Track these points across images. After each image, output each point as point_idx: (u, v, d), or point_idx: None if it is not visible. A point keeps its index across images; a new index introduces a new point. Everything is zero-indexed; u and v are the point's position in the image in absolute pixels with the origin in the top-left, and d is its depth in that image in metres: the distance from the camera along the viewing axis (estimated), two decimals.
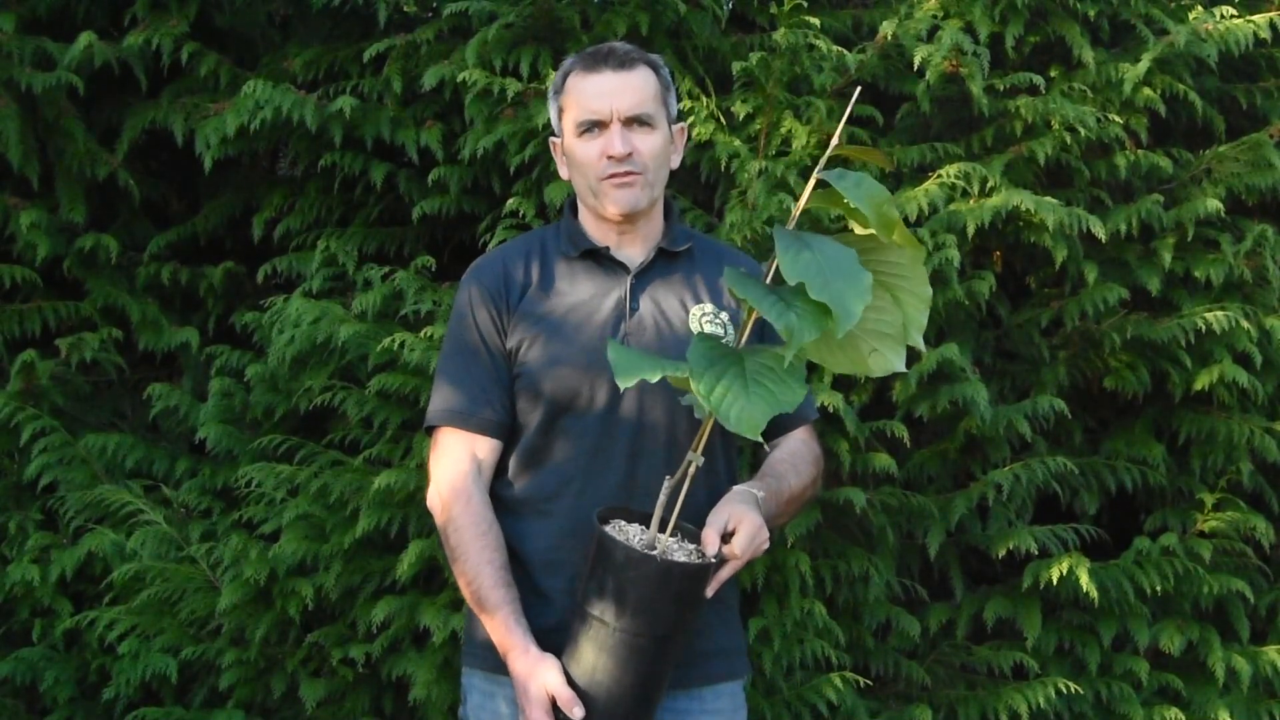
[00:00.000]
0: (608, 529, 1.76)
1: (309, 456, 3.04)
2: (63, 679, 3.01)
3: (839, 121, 3.14)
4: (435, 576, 2.95)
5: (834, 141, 1.70)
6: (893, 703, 3.14)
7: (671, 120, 2.01)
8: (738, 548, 1.78)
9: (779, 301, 1.57)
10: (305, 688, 2.92)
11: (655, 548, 1.73)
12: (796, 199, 2.97)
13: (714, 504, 1.84)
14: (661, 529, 1.74)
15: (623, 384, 1.59)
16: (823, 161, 1.66)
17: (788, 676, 2.98)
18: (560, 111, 2.00)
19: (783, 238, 1.58)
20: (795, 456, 2.02)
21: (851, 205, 1.59)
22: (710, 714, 1.96)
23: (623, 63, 1.94)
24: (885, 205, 1.60)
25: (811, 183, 1.65)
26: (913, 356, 2.99)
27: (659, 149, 1.96)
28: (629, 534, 1.78)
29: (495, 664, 1.90)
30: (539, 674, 1.78)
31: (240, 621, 2.95)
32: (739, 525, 1.79)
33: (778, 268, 1.58)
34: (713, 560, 1.76)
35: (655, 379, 1.59)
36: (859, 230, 1.67)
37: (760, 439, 1.57)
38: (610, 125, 1.93)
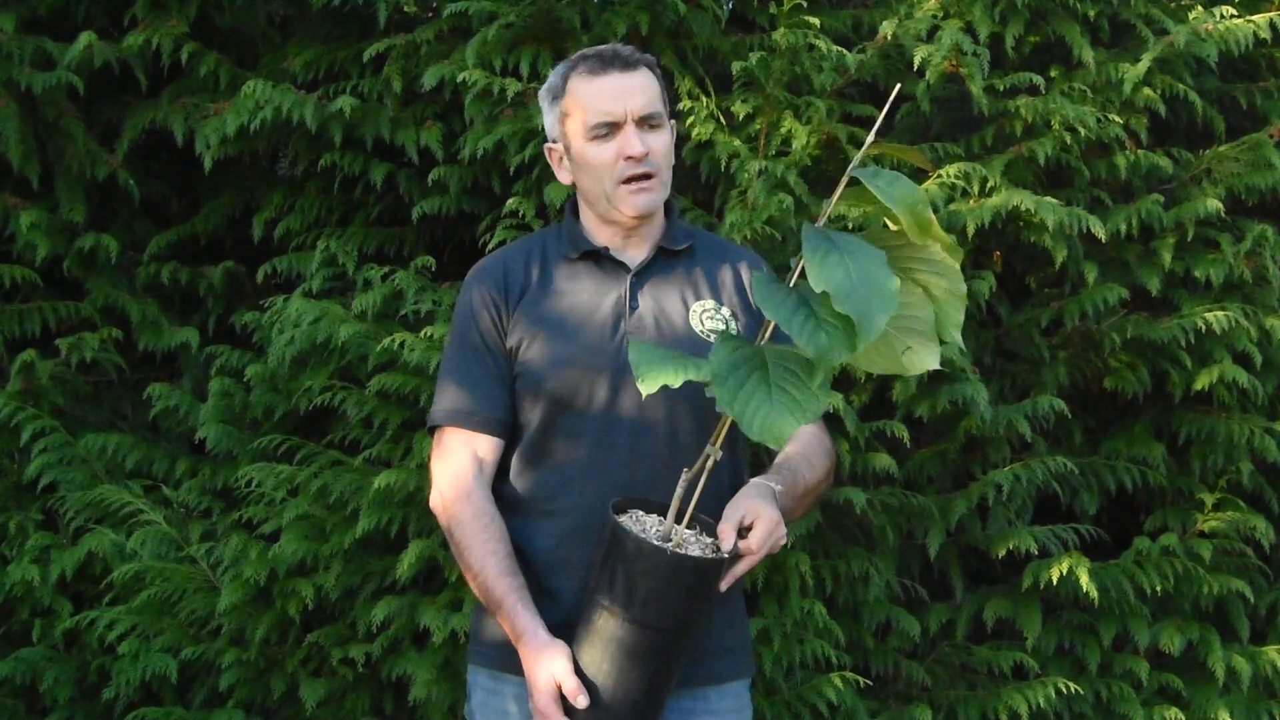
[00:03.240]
0: (623, 519, 1.75)
1: (309, 456, 3.04)
2: (63, 679, 3.01)
3: (839, 121, 3.16)
4: (435, 576, 2.95)
5: (870, 138, 1.65)
6: (893, 703, 3.14)
7: (671, 118, 2.03)
8: (754, 543, 1.77)
9: (810, 319, 1.52)
10: (305, 688, 2.92)
11: (671, 539, 1.73)
12: (797, 198, 2.97)
13: (726, 497, 1.83)
14: (678, 521, 1.74)
15: (645, 389, 1.54)
16: (858, 158, 1.62)
17: (788, 676, 2.98)
18: (562, 116, 1.99)
19: (810, 239, 1.53)
20: (808, 450, 2.01)
21: (884, 205, 1.57)
22: (715, 714, 1.96)
23: (628, 64, 1.95)
24: (919, 206, 1.56)
25: (844, 180, 1.62)
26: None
27: (669, 148, 1.98)
28: (646, 525, 1.77)
29: (500, 662, 1.90)
30: (546, 661, 1.78)
31: (240, 621, 2.95)
32: (756, 520, 1.78)
33: (803, 269, 1.53)
34: (726, 555, 1.75)
35: (678, 384, 1.55)
36: (892, 226, 1.64)
37: (781, 448, 1.54)
38: (624, 126, 1.93)
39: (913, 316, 1.61)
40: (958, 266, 1.62)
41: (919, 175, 2.99)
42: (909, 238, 1.59)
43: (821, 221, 1.64)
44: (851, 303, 1.48)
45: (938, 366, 1.63)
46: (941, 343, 1.64)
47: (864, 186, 1.57)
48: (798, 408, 1.53)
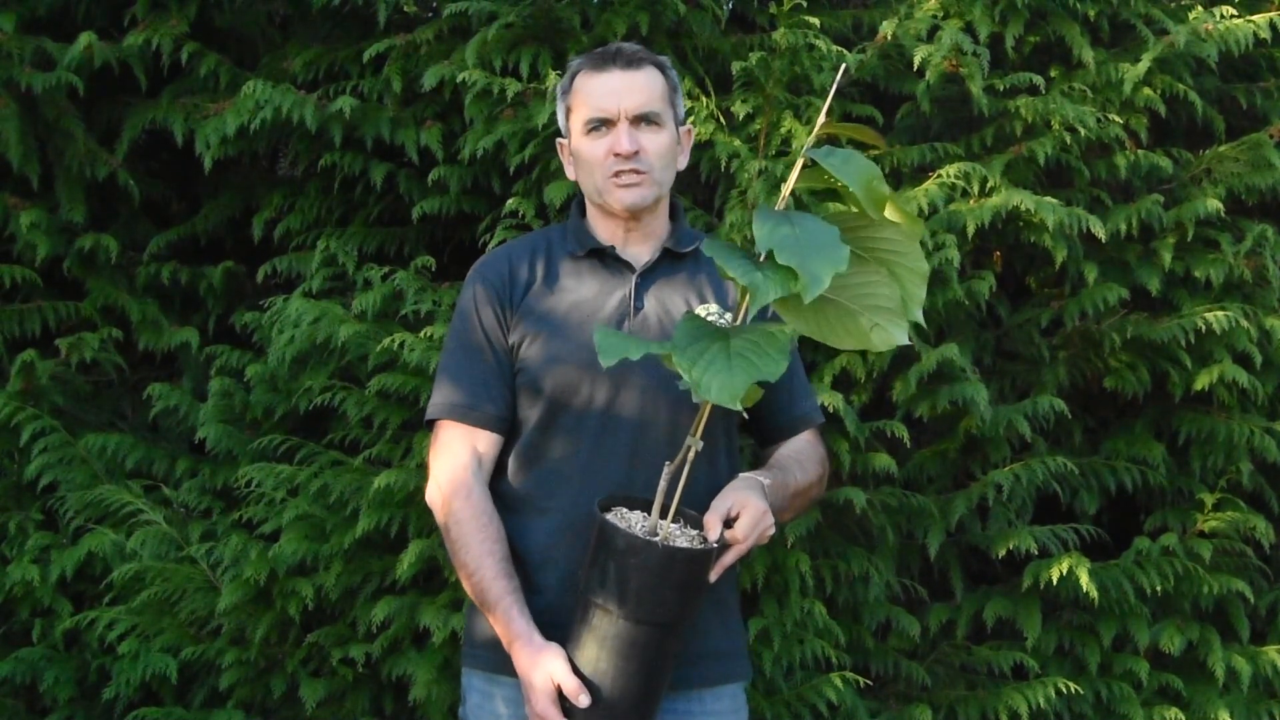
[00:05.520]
0: (609, 516, 1.76)
1: (309, 456, 3.04)
2: (63, 679, 3.01)
3: (839, 121, 3.16)
4: (435, 576, 2.95)
5: (821, 119, 1.69)
6: (893, 703, 3.14)
7: (679, 122, 2.02)
8: (740, 532, 1.78)
9: (746, 261, 1.57)
10: (305, 688, 2.92)
11: (657, 534, 1.73)
12: (797, 198, 2.97)
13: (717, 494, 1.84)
14: (663, 515, 1.74)
15: (605, 363, 1.58)
16: (811, 139, 1.65)
17: (788, 676, 2.98)
18: (568, 112, 2.02)
19: (763, 214, 1.58)
20: (801, 454, 2.02)
21: (840, 183, 1.59)
22: (709, 715, 1.96)
23: (630, 62, 1.96)
24: (875, 182, 1.59)
25: (800, 161, 1.64)
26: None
27: (665, 148, 1.97)
28: (631, 521, 1.77)
29: (494, 664, 1.90)
30: (543, 663, 1.78)
31: (240, 621, 2.95)
32: (742, 510, 1.80)
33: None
34: (714, 545, 1.76)
35: (637, 357, 1.59)
36: (853, 208, 1.66)
37: (740, 407, 1.57)
38: (618, 123, 1.94)
39: (877, 294, 1.64)
40: (918, 244, 1.65)
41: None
42: (867, 216, 1.61)
43: (781, 204, 1.66)
44: (793, 255, 1.51)
45: (907, 343, 1.66)
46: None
47: (821, 167, 1.60)
48: (754, 369, 1.56)
